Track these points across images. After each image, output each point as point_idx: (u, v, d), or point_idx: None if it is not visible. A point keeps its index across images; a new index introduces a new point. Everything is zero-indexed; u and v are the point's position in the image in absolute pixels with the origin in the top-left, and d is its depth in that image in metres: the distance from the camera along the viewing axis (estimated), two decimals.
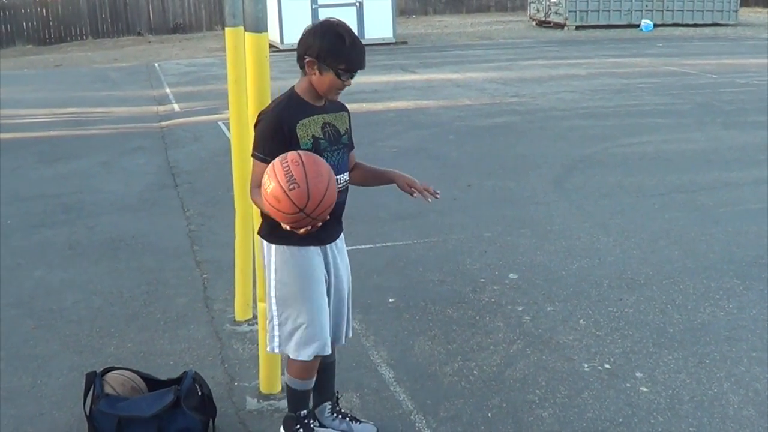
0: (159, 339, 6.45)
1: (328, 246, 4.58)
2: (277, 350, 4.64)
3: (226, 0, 6.07)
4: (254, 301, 6.17)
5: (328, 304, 4.62)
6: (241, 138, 5.96)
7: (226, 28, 6.07)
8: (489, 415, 5.26)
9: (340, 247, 4.72)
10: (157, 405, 4.87)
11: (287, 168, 4.00)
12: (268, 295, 4.59)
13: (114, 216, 9.73)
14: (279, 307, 4.53)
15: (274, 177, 4.01)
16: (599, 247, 8.25)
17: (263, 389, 5.53)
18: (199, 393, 5.10)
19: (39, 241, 8.83)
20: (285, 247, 4.42)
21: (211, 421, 5.08)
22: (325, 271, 4.57)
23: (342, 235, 4.73)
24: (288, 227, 4.11)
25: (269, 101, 5.00)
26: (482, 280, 7.45)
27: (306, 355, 4.54)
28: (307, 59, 4.29)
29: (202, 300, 7.17)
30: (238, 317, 6.67)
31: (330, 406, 5.03)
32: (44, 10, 36.13)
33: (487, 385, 5.62)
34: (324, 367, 4.89)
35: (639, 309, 6.79)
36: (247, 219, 6.09)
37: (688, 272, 7.56)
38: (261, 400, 5.45)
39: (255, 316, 6.22)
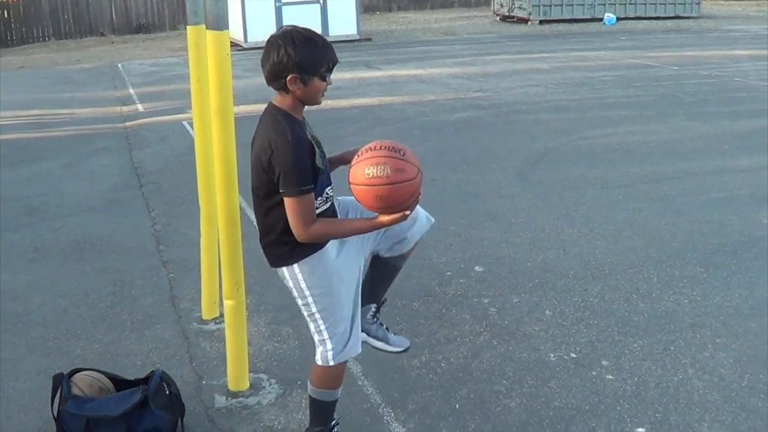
0: (126, 339, 6.43)
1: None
2: (332, 362, 4.48)
3: None
4: (220, 300, 6.17)
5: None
6: (205, 136, 5.96)
7: (188, 27, 6.06)
8: (457, 406, 5.29)
9: None
10: (124, 405, 4.86)
11: (382, 147, 4.01)
12: (310, 315, 4.44)
13: (79, 217, 9.70)
14: (326, 320, 4.41)
15: (382, 159, 3.94)
16: (564, 239, 8.30)
17: (231, 387, 5.53)
18: (167, 392, 5.09)
19: (3, 244, 8.77)
20: (307, 258, 4.30)
21: (179, 419, 5.08)
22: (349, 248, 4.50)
23: None
24: (408, 212, 4.04)
25: (231, 99, 5.01)
26: (448, 273, 7.48)
27: (357, 350, 4.54)
28: (288, 77, 4.07)
29: (169, 299, 7.16)
30: (205, 316, 6.67)
31: (374, 310, 4.94)
32: (5, 12, 35.84)
33: (454, 376, 5.66)
34: (390, 269, 4.89)
35: (604, 298, 6.85)
36: (212, 218, 6.09)
37: (652, 261, 7.62)
38: (229, 398, 5.45)
39: (222, 315, 6.21)
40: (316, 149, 4.16)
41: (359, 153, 4.08)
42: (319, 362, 4.52)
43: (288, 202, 4.08)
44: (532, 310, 6.68)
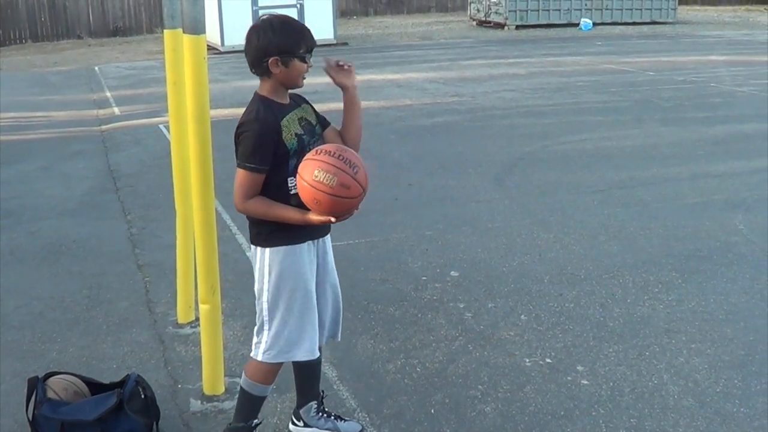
0: (101, 343, 6.41)
1: (320, 240, 4.60)
2: (260, 357, 4.56)
3: (164, 2, 6.05)
4: (196, 304, 6.16)
5: (325, 299, 4.70)
6: (181, 140, 5.95)
7: (165, 30, 6.05)
8: (432, 411, 5.29)
9: (327, 242, 4.72)
10: (99, 408, 4.84)
11: (340, 156, 4.07)
12: (259, 301, 4.53)
13: (55, 220, 9.66)
14: (270, 312, 4.49)
15: (333, 168, 4.00)
16: (539, 244, 8.32)
17: (206, 391, 5.51)
18: (143, 396, 5.08)
19: None
20: (279, 247, 4.41)
21: (154, 423, 5.06)
22: (315, 267, 4.60)
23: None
24: (334, 219, 4.14)
25: (208, 103, 5.00)
26: (424, 278, 7.49)
27: (297, 356, 4.56)
28: (269, 60, 4.22)
29: (145, 303, 7.14)
30: (181, 320, 6.65)
31: (316, 406, 5.02)
32: None
33: (429, 381, 5.66)
34: (312, 366, 4.90)
35: (579, 303, 6.87)
36: (188, 221, 6.08)
37: (628, 266, 7.65)
38: (204, 402, 5.44)
39: (197, 319, 6.20)
40: (285, 131, 4.28)
41: (317, 150, 4.16)
42: (251, 353, 4.63)
43: (237, 172, 4.27)
44: (508, 315, 6.69)
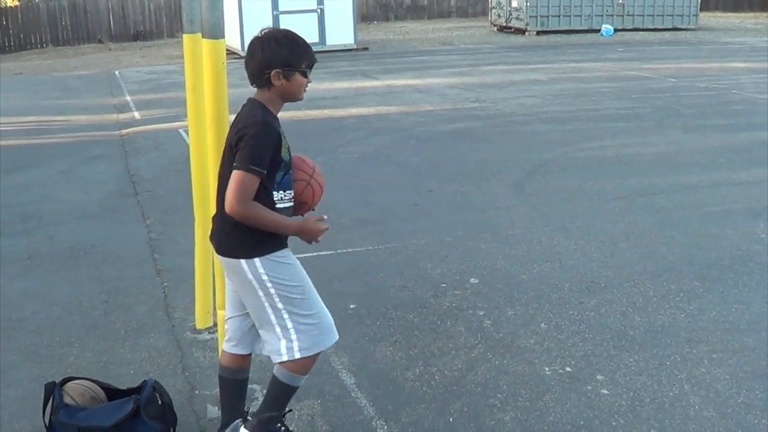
0: (119, 348, 6.40)
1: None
2: (298, 355, 4.47)
3: (183, 7, 6.04)
4: (214, 309, 6.14)
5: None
6: (200, 145, 5.94)
7: (184, 35, 6.04)
8: (450, 419, 5.26)
9: None
10: (116, 415, 4.83)
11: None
12: (272, 311, 4.45)
13: (74, 225, 9.67)
14: (291, 315, 4.44)
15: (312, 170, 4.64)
16: (560, 251, 8.27)
17: None
18: (160, 402, 5.06)
19: None
20: (272, 253, 4.37)
21: (171, 429, 5.05)
22: None
23: None
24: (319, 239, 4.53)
25: (227, 108, 4.99)
26: (443, 285, 7.45)
27: (329, 343, 4.60)
28: (271, 72, 4.26)
29: (163, 308, 7.13)
30: (199, 325, 6.64)
31: (241, 423, 4.87)
32: (3, 18, 35.93)
33: (448, 389, 5.62)
34: (240, 381, 4.87)
35: (600, 312, 6.82)
36: (206, 226, 6.04)
37: (649, 275, 7.59)
38: None
39: (215, 324, 6.19)
40: (283, 143, 4.32)
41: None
42: (285, 357, 4.51)
43: (234, 175, 4.19)
44: (528, 323, 6.65)
